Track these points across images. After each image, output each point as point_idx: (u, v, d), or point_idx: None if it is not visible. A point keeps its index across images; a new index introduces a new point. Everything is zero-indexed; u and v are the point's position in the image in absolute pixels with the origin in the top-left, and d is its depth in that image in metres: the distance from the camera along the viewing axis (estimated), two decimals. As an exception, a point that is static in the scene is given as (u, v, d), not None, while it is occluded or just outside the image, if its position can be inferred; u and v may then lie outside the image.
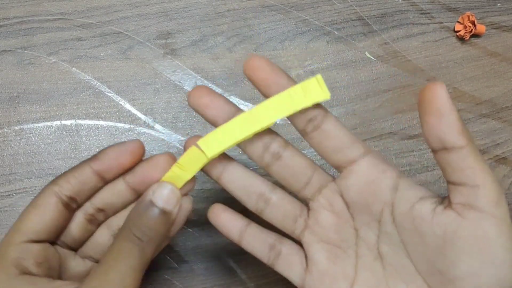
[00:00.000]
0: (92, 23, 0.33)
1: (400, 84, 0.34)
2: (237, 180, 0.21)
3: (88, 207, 0.22)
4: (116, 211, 0.22)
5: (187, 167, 0.20)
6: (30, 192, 0.30)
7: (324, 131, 0.20)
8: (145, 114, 0.32)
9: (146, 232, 0.19)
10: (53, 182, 0.21)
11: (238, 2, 0.34)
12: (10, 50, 0.32)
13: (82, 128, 0.31)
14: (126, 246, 0.19)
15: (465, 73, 0.35)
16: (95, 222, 0.22)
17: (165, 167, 0.21)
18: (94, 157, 0.21)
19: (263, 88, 0.20)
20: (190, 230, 0.30)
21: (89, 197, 0.22)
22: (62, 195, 0.21)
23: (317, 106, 0.20)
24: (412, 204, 0.19)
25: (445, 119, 0.17)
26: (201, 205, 0.30)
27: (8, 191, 0.30)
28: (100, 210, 0.22)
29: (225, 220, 0.22)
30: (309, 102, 0.19)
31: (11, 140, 0.30)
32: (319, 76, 0.19)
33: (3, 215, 0.29)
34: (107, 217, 0.23)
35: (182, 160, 0.20)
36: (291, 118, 0.20)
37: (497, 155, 0.34)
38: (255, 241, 0.22)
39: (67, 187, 0.21)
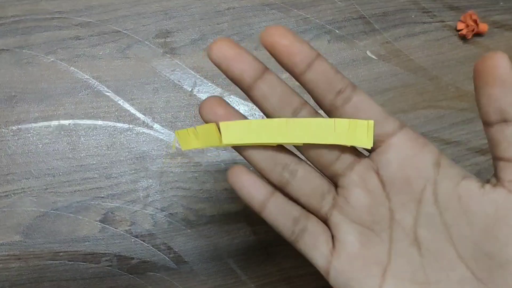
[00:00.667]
0: (90, 21, 0.32)
1: (402, 83, 0.34)
2: (263, 149, 0.19)
3: None
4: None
5: (200, 137, 0.20)
6: (28, 192, 0.29)
7: (357, 103, 0.18)
8: (144, 114, 0.31)
9: None
10: None
11: (238, 1, 0.34)
12: (7, 49, 0.32)
13: (81, 128, 0.31)
14: None
15: (468, 72, 0.35)
16: None
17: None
18: None
19: (286, 56, 0.18)
20: (189, 230, 0.30)
21: None
22: None
23: (344, 77, 0.18)
24: (457, 182, 0.18)
25: (509, 90, 0.16)
26: (200, 205, 0.30)
27: (6, 192, 0.29)
28: None
29: (248, 182, 0.19)
30: (348, 142, 0.18)
31: (8, 140, 0.30)
32: (371, 122, 0.18)
33: (1, 215, 0.29)
34: None
35: (199, 128, 0.20)
36: (317, 90, 0.18)
37: (499, 155, 0.34)
38: (279, 212, 0.20)
39: None
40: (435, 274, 0.18)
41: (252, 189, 0.20)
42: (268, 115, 0.19)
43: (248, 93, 0.19)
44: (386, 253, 0.19)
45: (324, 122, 0.18)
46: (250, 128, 0.19)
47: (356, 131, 0.18)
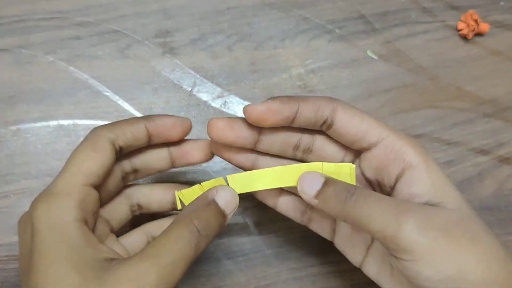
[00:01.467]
0: (90, 21, 0.32)
1: (403, 83, 0.34)
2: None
3: (127, 165, 0.22)
4: (147, 175, 0.24)
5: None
6: (28, 193, 0.29)
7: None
8: (144, 114, 0.31)
9: (205, 226, 0.19)
10: (106, 128, 0.21)
11: (238, 0, 0.34)
12: (7, 49, 0.31)
13: (80, 128, 0.31)
14: (186, 236, 0.18)
15: (468, 72, 0.35)
16: (125, 181, 0.23)
17: (207, 152, 0.23)
18: (149, 118, 0.22)
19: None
20: (190, 231, 0.30)
21: (128, 154, 0.23)
22: (116, 144, 0.21)
23: (329, 103, 0.21)
24: None
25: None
26: (200, 206, 0.30)
27: (5, 192, 0.29)
28: (135, 170, 0.23)
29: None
30: None
31: (8, 140, 0.30)
32: (353, 166, 0.22)
33: (0, 216, 0.29)
34: (135, 179, 0.24)
35: (206, 184, 0.22)
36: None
37: (500, 155, 0.33)
38: (289, 208, 0.25)
39: (122, 139, 0.21)
40: None
41: (265, 194, 0.25)
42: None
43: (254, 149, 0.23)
44: (369, 237, 0.23)
45: (314, 165, 0.22)
46: (253, 178, 0.22)
47: (341, 173, 0.22)
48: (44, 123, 0.30)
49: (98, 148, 0.20)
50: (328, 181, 0.20)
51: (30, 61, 0.31)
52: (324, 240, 0.30)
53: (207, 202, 0.20)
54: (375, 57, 0.34)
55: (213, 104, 0.32)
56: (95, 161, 0.20)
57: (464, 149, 0.33)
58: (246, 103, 0.32)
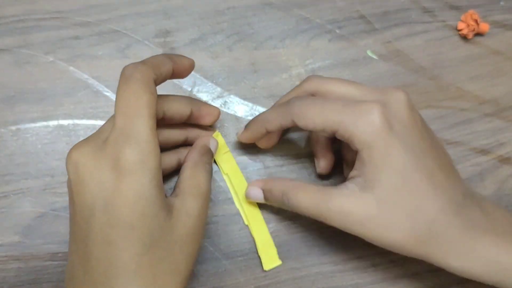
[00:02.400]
0: (89, 21, 0.32)
1: (403, 83, 0.34)
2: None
3: (160, 111, 0.25)
4: (168, 122, 0.27)
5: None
6: (27, 193, 0.29)
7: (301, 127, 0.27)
8: (144, 114, 0.31)
9: (210, 166, 0.27)
10: (151, 68, 0.22)
11: (238, 0, 0.34)
12: (6, 49, 0.31)
13: (80, 128, 0.31)
14: (206, 176, 0.25)
15: (469, 72, 0.35)
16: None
17: (215, 119, 0.29)
18: (172, 58, 0.24)
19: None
20: (189, 231, 0.30)
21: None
22: (155, 83, 0.22)
23: (286, 115, 0.26)
24: None
25: None
26: (200, 206, 0.30)
27: (4, 192, 0.29)
28: (162, 119, 0.26)
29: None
30: (260, 254, 0.30)
31: (7, 140, 0.30)
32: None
33: (0, 216, 0.29)
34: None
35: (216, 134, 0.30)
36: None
37: (500, 155, 0.33)
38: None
39: (159, 78, 0.23)
40: None
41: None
42: None
43: None
44: None
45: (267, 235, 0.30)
46: (230, 160, 0.30)
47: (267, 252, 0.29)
48: (44, 123, 0.30)
49: (153, 90, 0.22)
50: (265, 192, 0.28)
51: (30, 61, 0.31)
52: (323, 240, 0.30)
53: (208, 149, 0.27)
54: (375, 57, 0.34)
55: (213, 104, 0.32)
56: (154, 103, 0.22)
57: (465, 149, 0.33)
58: (246, 103, 0.32)
